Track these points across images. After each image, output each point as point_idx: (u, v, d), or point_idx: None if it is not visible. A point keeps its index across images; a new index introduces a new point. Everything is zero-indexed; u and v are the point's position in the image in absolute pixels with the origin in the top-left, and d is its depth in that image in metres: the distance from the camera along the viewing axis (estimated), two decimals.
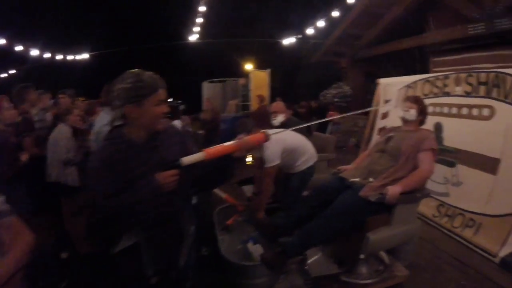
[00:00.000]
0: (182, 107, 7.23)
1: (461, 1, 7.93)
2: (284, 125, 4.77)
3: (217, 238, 3.53)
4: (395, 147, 3.12)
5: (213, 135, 7.27)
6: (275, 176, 3.72)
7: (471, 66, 7.37)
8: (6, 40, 11.68)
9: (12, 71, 15.95)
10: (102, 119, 3.24)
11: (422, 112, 3.31)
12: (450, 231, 4.23)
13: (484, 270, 3.43)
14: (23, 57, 13.51)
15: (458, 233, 4.11)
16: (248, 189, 5.00)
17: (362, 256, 2.99)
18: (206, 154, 1.85)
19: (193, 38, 13.16)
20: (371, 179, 3.00)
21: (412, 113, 3.25)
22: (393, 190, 2.71)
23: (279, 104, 5.02)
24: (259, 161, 3.74)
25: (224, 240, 3.56)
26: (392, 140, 3.24)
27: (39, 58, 13.68)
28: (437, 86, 5.02)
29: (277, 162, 3.56)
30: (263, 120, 7.91)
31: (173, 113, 6.91)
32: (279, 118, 4.81)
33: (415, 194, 2.92)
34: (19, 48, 12.50)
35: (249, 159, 4.88)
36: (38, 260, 3.27)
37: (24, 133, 4.07)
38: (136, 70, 1.80)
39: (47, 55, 13.80)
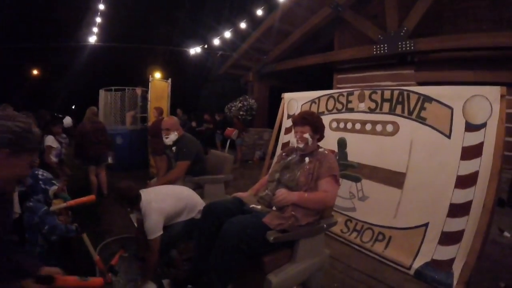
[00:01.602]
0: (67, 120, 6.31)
1: (366, 23, 8.20)
2: (176, 144, 4.33)
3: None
4: (292, 179, 2.73)
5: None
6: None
7: (373, 84, 7.88)
8: None
9: None
10: None
11: (317, 130, 2.87)
12: (360, 246, 4.13)
13: (399, 284, 3.37)
14: None
15: (368, 248, 4.04)
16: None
17: None
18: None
19: (92, 39, 12.04)
20: (274, 208, 2.60)
21: (307, 139, 2.80)
22: (286, 195, 2.44)
23: (171, 120, 4.42)
24: (141, 224, 3.16)
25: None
26: (288, 170, 2.85)
27: None
28: (341, 102, 4.95)
29: (160, 233, 3.04)
30: (159, 136, 7.27)
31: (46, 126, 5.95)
32: (172, 137, 4.30)
33: (321, 224, 2.58)
34: None
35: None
36: None
37: None
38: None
39: None
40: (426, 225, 3.61)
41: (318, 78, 10.19)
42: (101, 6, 10.97)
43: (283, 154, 3.12)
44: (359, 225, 4.29)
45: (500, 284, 3.37)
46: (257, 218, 2.46)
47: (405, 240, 3.74)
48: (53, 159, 5.16)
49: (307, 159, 2.77)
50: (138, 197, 3.12)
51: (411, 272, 3.49)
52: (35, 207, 2.86)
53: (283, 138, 5.89)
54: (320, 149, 2.87)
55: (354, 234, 4.28)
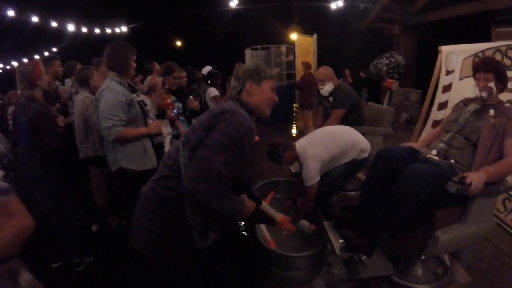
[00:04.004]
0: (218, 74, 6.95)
1: None
2: (333, 94, 4.34)
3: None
4: (473, 130, 2.55)
5: None
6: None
7: None
8: (39, 19, 11.36)
9: (53, 49, 15.93)
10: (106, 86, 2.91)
11: (501, 78, 2.62)
12: None
13: None
14: (59, 34, 13.29)
15: None
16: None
17: (423, 257, 2.53)
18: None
19: (233, 3, 12.54)
20: (452, 161, 2.52)
21: (491, 88, 2.59)
22: (478, 179, 2.20)
23: (326, 70, 4.43)
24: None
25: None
26: (468, 120, 2.66)
27: (76, 34, 13.44)
28: (510, 57, 4.24)
29: (317, 179, 3.10)
30: (309, 89, 7.42)
31: (211, 79, 6.73)
32: (327, 87, 4.31)
33: (497, 185, 2.39)
34: (54, 24, 12.18)
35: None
36: (63, 234, 3.21)
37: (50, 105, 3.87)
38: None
39: (84, 30, 13.52)
40: None
41: (473, 32, 9.10)
42: None
43: (460, 103, 2.94)
44: None
45: None
46: (438, 167, 2.41)
47: None
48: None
49: (492, 111, 2.56)
50: (286, 149, 3.24)
51: None
52: None
53: (441, 97, 5.27)
54: (505, 104, 2.64)
55: (511, 216, 3.82)
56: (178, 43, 24.51)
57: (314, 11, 14.60)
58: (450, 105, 4.88)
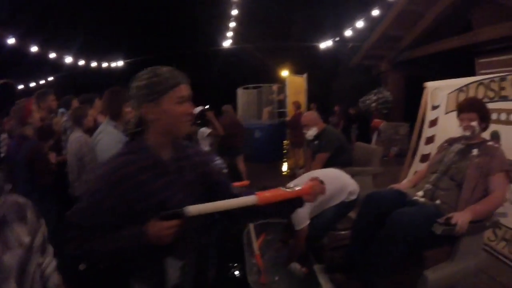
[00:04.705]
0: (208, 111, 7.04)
1: None
2: (318, 138, 4.47)
3: (245, 261, 3.23)
4: (458, 171, 2.66)
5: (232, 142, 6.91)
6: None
7: None
8: (39, 48, 11.73)
9: (49, 78, 16.13)
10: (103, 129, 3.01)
11: (484, 118, 2.78)
12: (507, 258, 3.70)
13: None
14: (57, 65, 13.63)
15: None
16: None
17: None
18: (259, 199, 1.46)
19: (226, 43, 12.91)
20: (439, 201, 2.59)
21: (474, 127, 2.74)
22: (463, 219, 2.28)
23: (310, 115, 4.63)
24: None
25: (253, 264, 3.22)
26: (452, 161, 2.77)
27: (73, 66, 13.77)
28: (492, 89, 4.45)
29: (306, 223, 3.15)
30: (300, 128, 7.57)
31: (201, 119, 6.77)
32: (311, 132, 4.47)
33: (483, 222, 2.48)
34: (52, 55, 12.58)
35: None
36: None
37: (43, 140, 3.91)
38: (153, 67, 1.54)
39: (81, 62, 13.87)
40: None
41: (457, 64, 9.39)
42: (234, 12, 11.64)
43: (445, 144, 3.06)
44: (510, 234, 3.82)
45: None
46: (424, 210, 2.48)
47: None
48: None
49: (475, 151, 2.68)
50: None
51: None
52: None
53: (428, 132, 5.46)
54: (488, 142, 2.76)
55: (503, 243, 3.84)
56: None
57: (305, 50, 14.98)
58: (437, 139, 5.02)
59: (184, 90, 1.51)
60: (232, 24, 12.32)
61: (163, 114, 1.47)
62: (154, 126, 1.50)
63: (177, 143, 1.61)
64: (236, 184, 3.21)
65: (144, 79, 1.49)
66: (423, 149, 5.36)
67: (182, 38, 17.95)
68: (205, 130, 6.09)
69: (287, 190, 1.55)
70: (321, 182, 1.68)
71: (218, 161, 3.77)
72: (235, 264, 3.77)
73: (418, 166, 5.31)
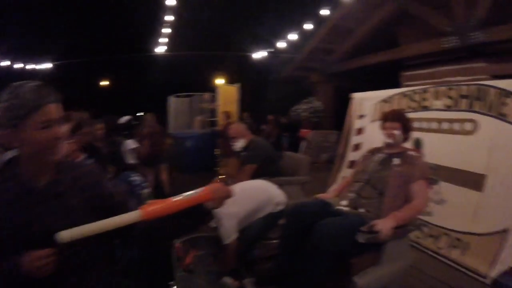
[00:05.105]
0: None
1: (433, 15, 7.78)
2: (247, 149, 4.44)
3: (174, 281, 3.07)
4: (380, 179, 2.71)
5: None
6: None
7: (443, 79, 7.29)
8: None
9: None
10: None
11: (406, 129, 2.89)
12: (435, 253, 3.93)
13: None
14: None
15: (444, 254, 3.83)
16: None
17: None
18: (144, 214, 1.30)
19: (160, 49, 12.63)
20: (362, 210, 2.62)
21: (396, 135, 2.83)
22: (386, 226, 2.30)
23: (238, 127, 4.59)
24: None
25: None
26: (374, 170, 2.83)
27: None
28: (415, 100, 4.79)
29: (234, 236, 3.08)
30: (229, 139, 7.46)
31: (128, 130, 6.42)
32: (239, 144, 4.43)
33: (407, 227, 2.55)
34: None
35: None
36: None
37: None
38: (18, 82, 1.30)
39: (6, 63, 13.01)
40: (506, 231, 3.34)
41: (384, 77, 9.90)
42: (168, 17, 11.44)
43: (368, 153, 3.12)
44: (435, 230, 4.08)
45: None
46: (347, 220, 2.49)
47: (483, 247, 3.51)
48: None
49: (395, 160, 2.75)
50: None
51: (488, 281, 3.26)
52: None
53: (353, 140, 5.77)
54: (409, 152, 2.85)
55: (430, 239, 4.09)
56: (106, 83, 23.70)
57: (239, 60, 15.04)
58: (364, 146, 5.30)
59: (51, 111, 1.29)
60: (167, 30, 12.10)
61: (25, 142, 1.29)
62: (22, 153, 1.33)
63: (62, 164, 1.43)
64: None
65: (4, 101, 1.27)
66: (351, 155, 5.65)
67: (115, 42, 17.23)
68: (130, 143, 5.69)
69: (180, 198, 1.39)
70: (226, 183, 1.56)
71: (135, 177, 3.52)
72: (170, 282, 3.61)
73: (346, 172, 5.55)
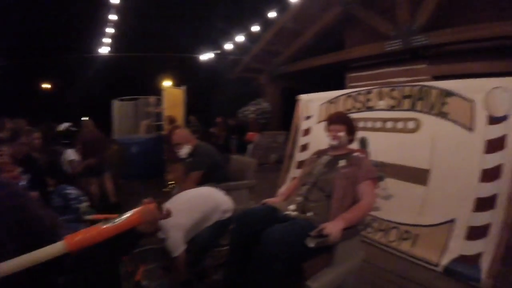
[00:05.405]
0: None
1: (378, 19, 8.08)
2: (192, 156, 4.29)
3: None
4: (326, 182, 2.70)
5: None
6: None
7: (386, 80, 7.65)
8: None
9: None
10: None
11: (351, 131, 2.93)
12: (386, 246, 4.09)
13: (428, 282, 3.35)
14: None
15: (395, 247, 4.00)
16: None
17: None
18: (69, 245, 1.17)
19: (103, 50, 12.16)
20: (311, 213, 2.59)
21: (341, 137, 2.86)
22: (335, 228, 2.29)
23: (182, 133, 4.42)
24: None
25: None
26: (321, 172, 2.82)
27: None
28: (359, 101, 4.94)
29: (182, 248, 2.95)
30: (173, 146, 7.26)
31: (69, 138, 6.03)
32: (184, 150, 4.25)
33: (356, 227, 2.55)
34: None
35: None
36: None
37: None
38: None
39: None
40: (452, 220, 3.55)
41: (330, 78, 10.13)
42: (112, 17, 11.06)
43: (314, 156, 3.11)
44: (384, 225, 4.22)
45: None
46: (295, 225, 2.44)
47: (432, 237, 3.69)
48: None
49: (341, 162, 2.76)
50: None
51: (439, 269, 3.45)
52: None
53: (301, 140, 5.88)
54: (354, 153, 2.87)
55: (380, 234, 4.22)
56: (46, 86, 22.50)
57: (186, 61, 14.81)
58: (311, 146, 5.46)
59: None
60: (111, 30, 11.67)
61: None
62: None
63: None
64: (98, 216, 2.90)
65: None
66: (299, 156, 5.78)
67: (55, 42, 16.31)
68: (70, 153, 5.39)
69: (109, 225, 1.28)
70: (160, 207, 1.45)
71: (71, 191, 3.32)
72: None
73: (295, 172, 5.66)
